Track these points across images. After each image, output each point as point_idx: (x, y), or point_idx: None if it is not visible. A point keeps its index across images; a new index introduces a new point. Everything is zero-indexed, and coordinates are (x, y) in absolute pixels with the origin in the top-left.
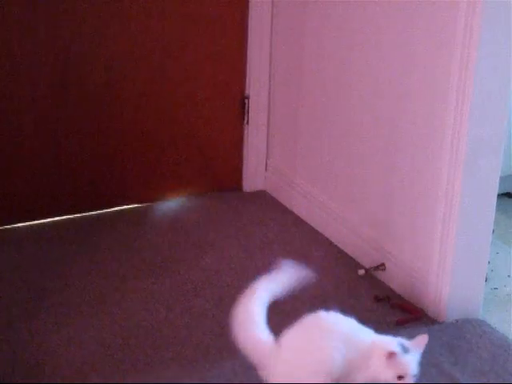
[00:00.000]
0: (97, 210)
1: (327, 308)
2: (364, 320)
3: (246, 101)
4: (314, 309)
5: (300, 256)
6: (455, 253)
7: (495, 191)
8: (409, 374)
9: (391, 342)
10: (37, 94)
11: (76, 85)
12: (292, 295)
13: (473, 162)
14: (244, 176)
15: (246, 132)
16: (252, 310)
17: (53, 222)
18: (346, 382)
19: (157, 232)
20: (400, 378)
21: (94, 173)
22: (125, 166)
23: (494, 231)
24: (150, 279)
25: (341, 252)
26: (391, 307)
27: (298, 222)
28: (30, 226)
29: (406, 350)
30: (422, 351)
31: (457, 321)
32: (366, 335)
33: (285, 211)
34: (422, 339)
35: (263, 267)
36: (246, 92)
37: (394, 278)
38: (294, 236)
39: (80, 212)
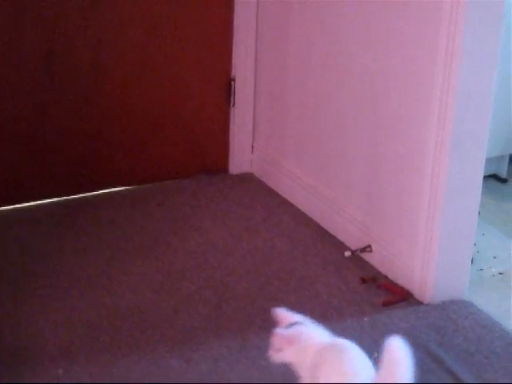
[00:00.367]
0: (83, 192)
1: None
2: (350, 301)
3: (232, 83)
4: (300, 290)
5: (287, 238)
6: (441, 234)
7: (481, 173)
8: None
9: None
10: (22, 75)
11: (61, 68)
12: (279, 277)
13: (459, 143)
14: (230, 159)
15: (232, 114)
16: None
17: (38, 205)
18: None
19: (143, 215)
20: None
21: (80, 156)
22: (111, 149)
23: (479, 213)
24: (137, 262)
25: (327, 234)
26: (377, 288)
27: (285, 204)
28: (16, 209)
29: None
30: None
31: (443, 302)
32: None
33: (271, 193)
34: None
35: (250, 250)
36: (232, 74)
37: (381, 260)
38: (280, 218)
39: (66, 195)
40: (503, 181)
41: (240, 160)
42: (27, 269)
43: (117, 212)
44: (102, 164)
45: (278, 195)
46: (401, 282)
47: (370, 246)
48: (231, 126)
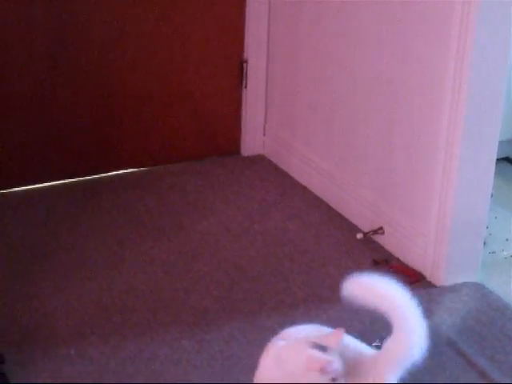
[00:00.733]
0: (94, 174)
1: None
2: None
3: (245, 65)
4: (312, 272)
5: (299, 220)
6: (454, 217)
7: (494, 155)
8: (339, 373)
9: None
10: (32, 55)
11: (71, 48)
12: (290, 259)
13: (472, 125)
14: (242, 141)
15: (244, 96)
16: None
17: (50, 186)
18: None
19: (155, 196)
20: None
21: (92, 137)
22: (122, 131)
23: (492, 196)
24: (149, 243)
25: (339, 216)
26: (389, 271)
27: (297, 186)
28: (27, 190)
29: (323, 348)
30: (337, 347)
31: (455, 284)
32: None
33: (283, 175)
34: (337, 333)
35: (261, 231)
36: (244, 56)
37: (393, 242)
38: (292, 200)
39: (77, 177)
40: None
41: (252, 142)
42: (40, 250)
43: (128, 193)
44: (113, 146)
45: (289, 177)
46: (413, 264)
47: (382, 228)
48: (243, 108)
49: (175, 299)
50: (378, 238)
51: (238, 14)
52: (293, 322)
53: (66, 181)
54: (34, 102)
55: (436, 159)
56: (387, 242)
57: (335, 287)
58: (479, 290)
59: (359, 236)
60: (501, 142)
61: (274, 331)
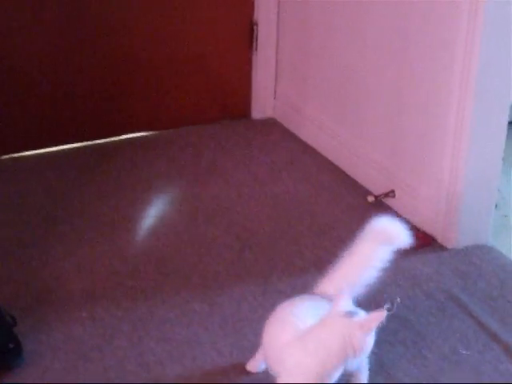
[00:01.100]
0: (105, 138)
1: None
2: None
3: (255, 27)
4: (323, 235)
5: (309, 183)
6: (465, 180)
7: (506, 118)
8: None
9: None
10: (43, 18)
11: (82, 13)
12: (301, 222)
13: (483, 88)
14: (253, 104)
15: (254, 59)
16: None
17: (61, 150)
18: None
19: (165, 160)
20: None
21: (102, 101)
22: (133, 94)
23: (504, 159)
24: (159, 206)
25: (350, 179)
26: None
27: (307, 149)
28: (37, 154)
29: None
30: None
31: (466, 247)
32: None
33: (294, 139)
34: (378, 316)
35: (272, 195)
36: (255, 18)
37: (404, 205)
38: (303, 163)
39: (88, 140)
40: None
41: (262, 105)
42: (51, 214)
43: (139, 157)
44: (124, 109)
45: (300, 141)
46: (424, 227)
47: (393, 192)
48: (253, 71)
49: (186, 263)
50: (389, 202)
51: None
52: (304, 284)
53: (77, 144)
54: (45, 65)
55: (447, 122)
56: (398, 205)
57: (346, 250)
58: (490, 252)
59: (370, 199)
60: None
61: (285, 294)
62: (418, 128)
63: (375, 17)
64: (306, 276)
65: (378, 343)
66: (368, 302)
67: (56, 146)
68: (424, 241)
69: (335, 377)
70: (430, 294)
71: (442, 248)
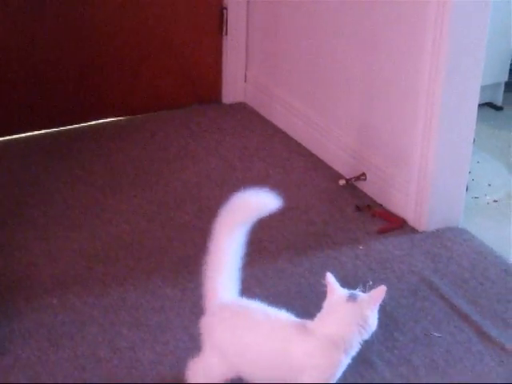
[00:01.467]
0: (75, 123)
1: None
2: (345, 230)
3: (225, 11)
4: (295, 219)
5: (281, 167)
6: (436, 162)
7: (476, 100)
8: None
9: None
10: (11, 7)
11: None
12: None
13: (454, 70)
14: (223, 88)
15: (224, 43)
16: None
17: (31, 136)
18: None
19: (136, 145)
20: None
21: (72, 87)
22: (104, 79)
23: (475, 141)
24: (131, 192)
25: (322, 162)
26: (372, 217)
27: (278, 133)
28: (6, 140)
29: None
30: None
31: (437, 230)
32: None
33: (265, 122)
34: (379, 291)
35: (243, 179)
36: (224, 2)
37: (375, 188)
38: (274, 147)
39: (59, 126)
40: (498, 108)
41: (233, 89)
42: (21, 200)
43: (110, 143)
44: (94, 95)
45: (271, 124)
46: (395, 209)
47: (364, 175)
48: (224, 54)
49: (158, 248)
50: (360, 185)
51: None
52: (276, 269)
53: (48, 130)
54: (15, 51)
55: (418, 105)
56: (370, 188)
57: (318, 234)
58: (462, 235)
59: (341, 182)
60: (483, 87)
61: (256, 278)
62: (388, 111)
63: (345, 2)
64: (278, 260)
65: None
66: (341, 285)
67: (26, 132)
68: (395, 223)
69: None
70: (401, 277)
71: (413, 231)
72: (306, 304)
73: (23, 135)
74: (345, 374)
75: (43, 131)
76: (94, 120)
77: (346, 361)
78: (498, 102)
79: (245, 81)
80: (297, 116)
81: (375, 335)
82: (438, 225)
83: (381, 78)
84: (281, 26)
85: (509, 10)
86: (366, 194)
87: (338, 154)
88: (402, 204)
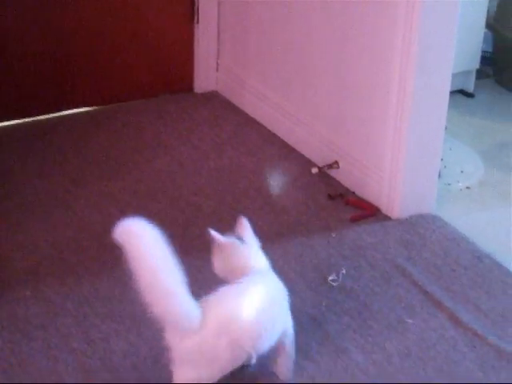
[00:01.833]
0: (46, 114)
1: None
2: (318, 218)
3: (196, 0)
4: (268, 208)
5: (253, 156)
6: (408, 149)
7: (448, 87)
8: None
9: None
10: None
11: None
12: (246, 195)
13: (425, 58)
14: (195, 77)
15: (196, 32)
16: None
17: (1, 127)
18: None
19: (108, 135)
20: None
21: (43, 77)
22: (74, 69)
23: (446, 128)
24: (103, 182)
25: (294, 151)
26: (345, 205)
27: (251, 122)
28: None
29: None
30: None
31: (410, 217)
32: None
33: (237, 111)
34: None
35: (216, 168)
36: None
37: (348, 176)
38: (246, 136)
39: (29, 117)
40: (470, 95)
41: (205, 78)
42: None
43: (81, 133)
44: (66, 85)
45: (243, 113)
46: (368, 197)
47: (336, 163)
48: (195, 43)
49: None
50: (333, 173)
51: None
52: None
53: (19, 121)
54: None
55: (389, 92)
56: (343, 176)
57: (291, 222)
58: (435, 221)
59: (314, 171)
60: (455, 74)
61: None
62: (360, 99)
63: None
64: None
65: (323, 314)
66: (314, 273)
67: None
68: (368, 211)
69: None
70: (374, 264)
71: (386, 218)
72: None
73: None
74: (318, 360)
75: (14, 122)
76: (65, 110)
77: None
78: (470, 89)
79: (217, 70)
80: (269, 105)
81: (349, 323)
82: (410, 212)
83: (352, 66)
84: (253, 15)
85: None
86: (338, 182)
87: (310, 143)
88: (375, 192)
